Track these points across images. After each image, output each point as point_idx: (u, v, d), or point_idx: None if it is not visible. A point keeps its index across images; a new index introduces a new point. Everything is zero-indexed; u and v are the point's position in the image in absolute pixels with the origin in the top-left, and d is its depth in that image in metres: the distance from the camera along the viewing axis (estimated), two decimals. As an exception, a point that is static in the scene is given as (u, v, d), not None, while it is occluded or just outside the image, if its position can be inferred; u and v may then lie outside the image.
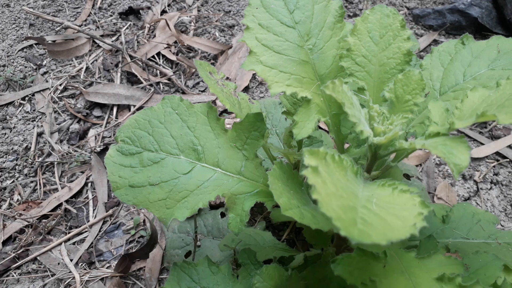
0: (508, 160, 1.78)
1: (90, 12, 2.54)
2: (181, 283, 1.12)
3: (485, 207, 1.64)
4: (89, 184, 1.78)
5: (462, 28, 2.29)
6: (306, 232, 1.26)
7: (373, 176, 1.03)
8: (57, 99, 2.10)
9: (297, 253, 1.29)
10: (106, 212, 1.67)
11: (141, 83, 2.14)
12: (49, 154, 1.89)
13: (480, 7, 2.26)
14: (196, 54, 2.28)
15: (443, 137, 0.84)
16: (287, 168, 0.99)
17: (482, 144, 1.83)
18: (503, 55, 1.09)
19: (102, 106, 2.07)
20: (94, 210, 1.70)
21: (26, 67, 2.26)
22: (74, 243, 1.61)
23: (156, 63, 2.25)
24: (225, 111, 2.00)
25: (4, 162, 1.87)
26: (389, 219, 0.64)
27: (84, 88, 2.12)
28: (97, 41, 2.34)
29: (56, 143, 1.92)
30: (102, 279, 1.49)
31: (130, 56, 2.23)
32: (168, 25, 2.33)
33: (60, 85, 2.15)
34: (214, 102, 2.04)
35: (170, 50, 2.29)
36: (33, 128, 1.99)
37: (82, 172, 1.82)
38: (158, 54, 2.28)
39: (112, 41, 2.33)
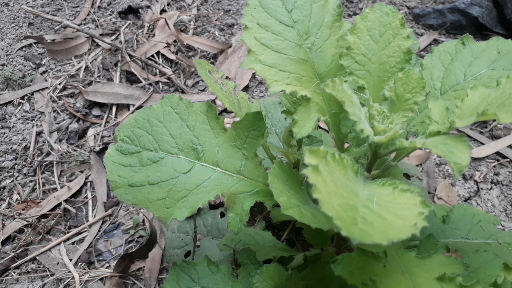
0: (508, 160, 1.78)
1: (90, 11, 2.53)
2: (180, 283, 1.12)
3: (485, 207, 1.64)
4: (88, 184, 1.78)
5: (463, 28, 2.29)
6: (306, 232, 1.26)
7: (373, 175, 1.03)
8: (56, 98, 2.09)
9: (297, 253, 1.28)
10: (106, 211, 1.67)
11: (141, 82, 2.14)
12: (48, 154, 1.88)
13: (481, 6, 2.26)
14: (196, 53, 2.28)
15: (444, 136, 0.84)
16: (287, 167, 0.99)
17: (483, 144, 1.83)
18: (503, 56, 1.09)
19: (101, 105, 2.06)
20: (93, 209, 1.70)
21: (25, 66, 2.25)
22: (73, 243, 1.61)
23: (156, 62, 2.24)
24: (225, 110, 1.99)
25: (3, 162, 1.87)
26: (390, 219, 0.64)
27: (83, 87, 2.11)
28: (97, 40, 2.34)
29: (55, 142, 1.92)
30: (101, 279, 1.48)
31: (130, 55, 2.23)
32: (167, 24, 2.33)
33: (59, 84, 2.15)
34: (213, 101, 2.03)
35: (170, 49, 2.28)
36: (32, 127, 1.99)
37: (81, 172, 1.81)
38: (158, 53, 2.27)
39: (112, 40, 2.32)
